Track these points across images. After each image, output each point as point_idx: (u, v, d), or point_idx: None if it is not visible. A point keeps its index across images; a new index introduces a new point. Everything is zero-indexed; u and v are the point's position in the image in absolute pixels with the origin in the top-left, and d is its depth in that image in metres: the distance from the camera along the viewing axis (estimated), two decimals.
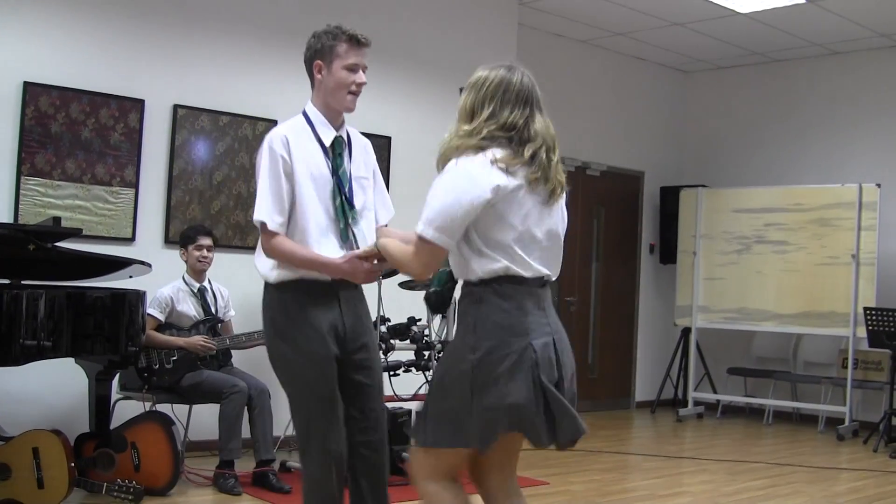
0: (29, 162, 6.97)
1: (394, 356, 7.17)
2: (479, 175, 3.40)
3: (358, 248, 4.10)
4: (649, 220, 12.35)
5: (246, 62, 8.04)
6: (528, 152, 3.52)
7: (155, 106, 7.58)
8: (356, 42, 4.11)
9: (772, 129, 11.82)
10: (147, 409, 6.72)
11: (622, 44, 11.38)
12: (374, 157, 4.44)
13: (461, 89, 3.68)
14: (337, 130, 4.20)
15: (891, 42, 10.70)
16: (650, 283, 12.37)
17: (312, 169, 4.08)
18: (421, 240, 3.45)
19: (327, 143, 4.15)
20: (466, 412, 3.45)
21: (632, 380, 12.24)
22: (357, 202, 4.19)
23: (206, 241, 7.05)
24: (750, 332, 11.37)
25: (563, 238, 3.69)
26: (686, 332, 11.59)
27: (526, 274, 3.50)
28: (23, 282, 5.84)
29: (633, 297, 12.28)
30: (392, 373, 7.09)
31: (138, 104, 7.48)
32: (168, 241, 7.56)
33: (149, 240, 7.52)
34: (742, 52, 11.54)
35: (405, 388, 7.28)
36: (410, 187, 9.20)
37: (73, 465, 5.84)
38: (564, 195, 3.69)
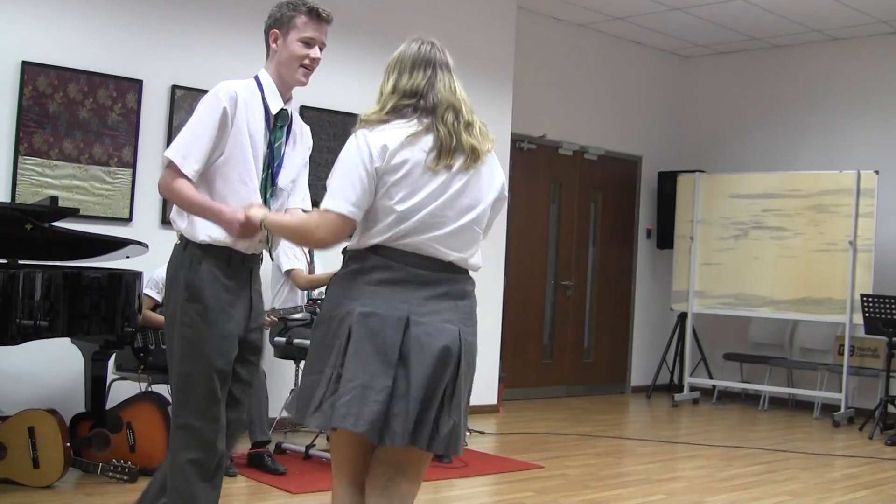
0: (27, 142, 6.96)
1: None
2: (370, 142, 3.34)
3: None
4: (646, 205, 12.35)
5: (244, 43, 8.01)
6: (434, 118, 3.41)
7: (153, 86, 7.56)
8: (316, 16, 3.99)
9: (770, 115, 11.82)
10: (143, 389, 6.73)
11: (621, 28, 11.36)
12: (310, 144, 4.32)
13: None
14: (285, 103, 4.09)
15: (890, 28, 10.69)
16: (647, 268, 12.37)
17: (252, 133, 3.96)
18: (324, 211, 3.36)
19: (273, 111, 4.03)
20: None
21: (628, 364, 12.25)
22: (281, 181, 4.07)
23: None
24: (746, 317, 11.38)
25: (486, 212, 3.50)
26: (682, 317, 11.60)
27: (403, 247, 3.37)
28: (20, 261, 5.83)
29: (629, 281, 12.28)
30: None
31: (136, 84, 7.46)
32: (165, 221, 7.54)
33: (146, 220, 7.51)
34: (741, 38, 11.52)
35: None
36: None
37: (68, 444, 5.85)
38: (492, 166, 3.54)
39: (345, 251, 3.51)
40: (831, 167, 10.73)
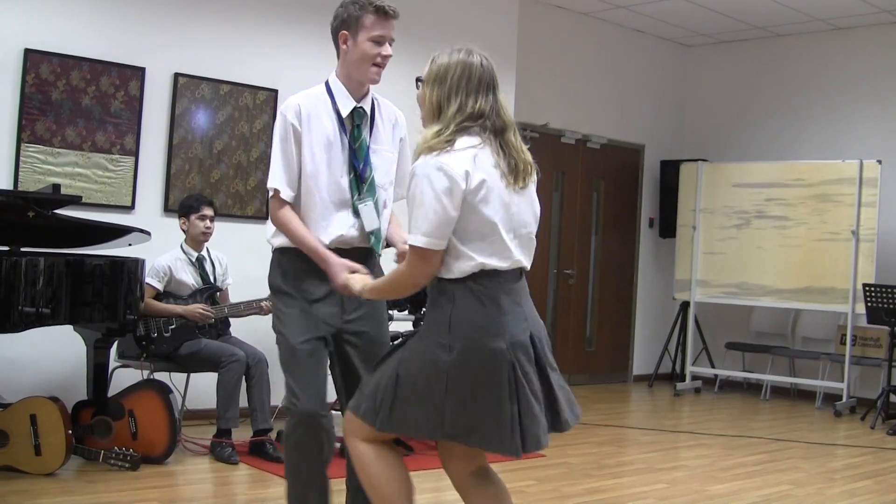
0: (29, 129, 6.96)
1: (393, 326, 7.16)
2: (450, 168, 3.36)
3: (362, 226, 4.11)
4: (649, 194, 12.33)
5: (247, 31, 8.00)
6: (498, 138, 3.50)
7: (156, 74, 7.55)
8: (383, 13, 4.03)
9: (773, 104, 11.79)
10: (145, 377, 6.73)
11: (623, 16, 11.33)
12: (403, 129, 4.36)
13: (418, 80, 3.63)
14: (358, 101, 4.14)
15: (893, 18, 10.66)
16: (649, 257, 12.37)
17: (325, 139, 4.05)
18: (413, 249, 3.42)
19: (344, 113, 4.09)
20: (436, 408, 3.45)
21: (630, 353, 12.25)
22: (377, 176, 4.15)
23: (209, 212, 7.02)
24: (749, 307, 11.37)
25: (536, 225, 3.65)
26: (685, 306, 11.59)
27: (501, 266, 3.47)
28: (22, 249, 5.83)
29: (631, 270, 12.27)
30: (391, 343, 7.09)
31: (139, 72, 7.45)
32: (167, 209, 7.54)
33: (148, 208, 7.51)
34: (743, 27, 11.49)
35: None
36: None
37: (70, 432, 5.86)
38: (535, 179, 3.64)
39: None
40: (834, 156, 10.71)
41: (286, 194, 4.03)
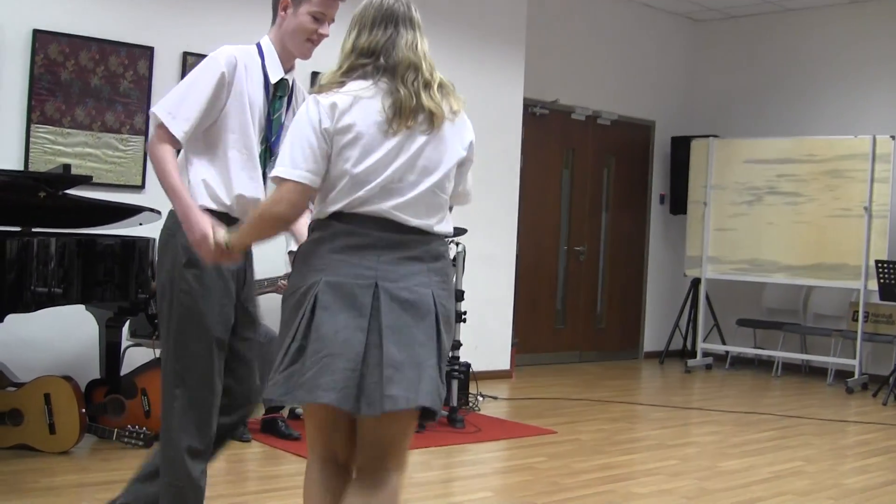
0: (39, 110, 6.96)
1: None
2: (321, 104, 3.18)
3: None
4: (660, 170, 12.31)
5: (256, 9, 7.97)
6: (394, 78, 3.22)
7: (164, 53, 7.54)
8: None
9: (785, 80, 11.74)
10: (157, 355, 6.74)
11: None
12: None
13: None
14: (286, 73, 3.92)
15: None
16: (660, 234, 12.35)
17: (251, 101, 3.80)
18: (278, 179, 3.22)
19: (273, 79, 3.87)
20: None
21: (640, 330, 12.26)
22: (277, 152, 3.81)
23: None
24: (760, 283, 11.35)
25: (449, 175, 3.29)
26: (696, 282, 11.58)
27: (360, 211, 3.20)
28: (33, 229, 5.84)
29: (642, 247, 12.26)
30: None
31: (148, 52, 7.44)
32: None
33: (158, 187, 7.43)
34: (754, 1, 11.44)
35: None
36: None
37: (83, 410, 5.89)
38: (460, 126, 3.34)
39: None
40: (846, 132, 10.67)
41: (177, 129, 3.67)
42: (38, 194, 5.45)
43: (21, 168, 6.87)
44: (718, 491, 5.84)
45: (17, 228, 5.74)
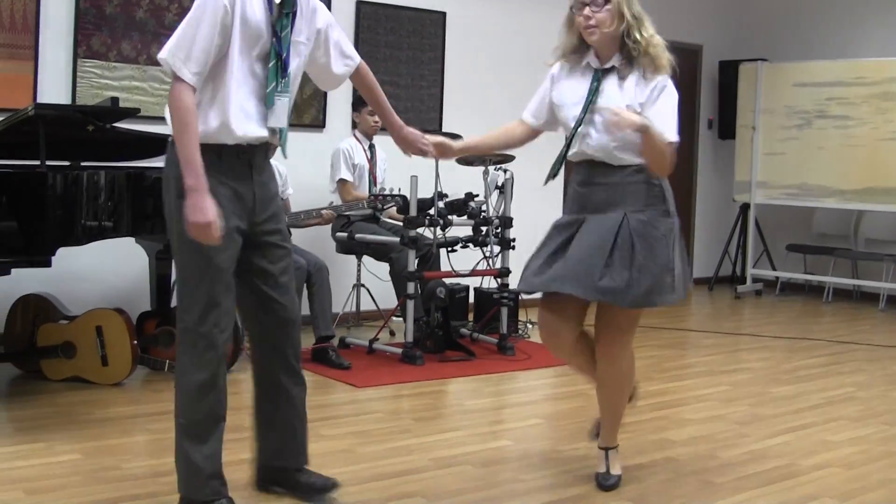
0: (85, 44, 6.96)
1: (451, 232, 7.17)
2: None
3: (276, 119, 3.78)
4: (707, 95, 12.16)
5: None
6: None
7: None
8: None
9: (834, 1, 11.52)
10: None
11: None
12: (324, 15, 4.00)
13: None
14: None
15: None
16: (708, 159, 12.23)
17: (251, 25, 3.68)
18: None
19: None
20: None
21: (690, 256, 12.17)
22: (290, 68, 3.81)
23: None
24: (810, 208, 11.23)
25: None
26: (745, 208, 11.48)
27: None
28: (82, 163, 5.86)
29: (690, 172, 12.15)
30: (449, 249, 7.10)
31: None
32: None
33: None
34: None
35: (462, 263, 7.29)
36: (465, 72, 9.12)
37: (135, 342, 5.94)
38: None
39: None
40: None
41: (188, 73, 3.58)
42: (86, 128, 5.47)
43: (69, 102, 6.89)
44: (770, 417, 5.82)
45: (67, 163, 5.77)
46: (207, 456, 3.76)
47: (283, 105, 3.78)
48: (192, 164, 3.55)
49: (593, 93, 4.14)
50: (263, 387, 4.08)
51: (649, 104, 4.10)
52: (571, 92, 4.23)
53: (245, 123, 3.71)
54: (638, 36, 4.15)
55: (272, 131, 3.79)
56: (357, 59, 4.13)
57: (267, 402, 4.08)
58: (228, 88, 3.67)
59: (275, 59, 3.73)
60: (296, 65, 3.85)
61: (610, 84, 4.16)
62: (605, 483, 4.40)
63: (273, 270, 3.94)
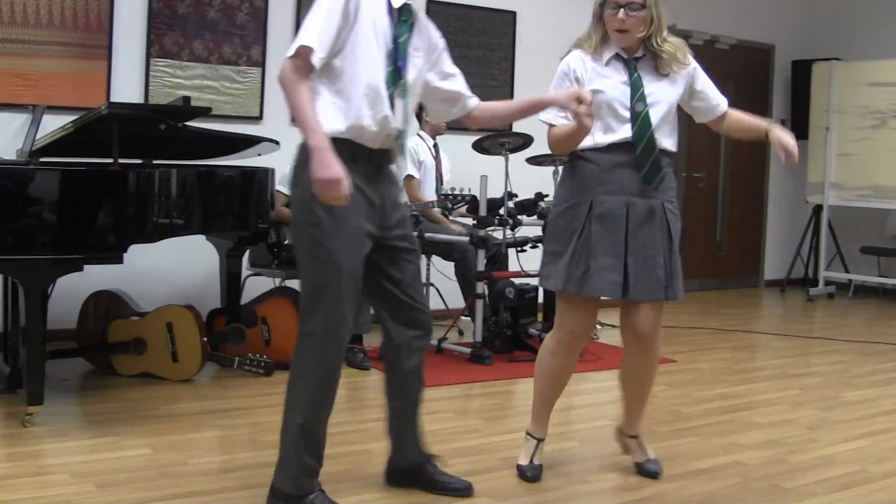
0: (158, 44, 7.05)
1: (521, 232, 7.15)
2: None
3: (397, 121, 3.81)
4: (780, 95, 12.03)
5: None
6: None
7: None
8: None
9: None
10: (276, 284, 6.83)
11: None
12: (438, 42, 4.04)
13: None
14: None
15: None
16: (781, 160, 12.07)
17: (377, 27, 3.75)
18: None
19: (396, 4, 3.80)
20: None
21: (761, 258, 12.08)
22: (410, 79, 3.87)
23: None
24: (884, 209, 11.07)
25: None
26: (817, 209, 11.35)
27: None
28: (154, 161, 5.93)
29: (762, 173, 12.04)
30: (519, 248, 7.09)
31: None
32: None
33: (276, 118, 7.56)
34: None
35: (532, 263, 7.27)
36: (537, 71, 9.10)
37: (205, 339, 5.99)
38: None
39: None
40: None
41: (317, 58, 3.63)
42: (158, 127, 5.52)
43: (142, 101, 6.97)
44: (841, 422, 5.74)
45: (139, 161, 5.83)
46: (317, 455, 3.88)
47: (403, 106, 3.83)
48: (310, 125, 3.61)
49: (639, 83, 4.27)
50: (395, 386, 4.25)
51: (697, 82, 4.58)
52: (611, 84, 4.27)
53: (366, 120, 3.75)
54: (659, 39, 4.22)
55: (395, 134, 3.84)
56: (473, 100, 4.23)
57: (400, 399, 4.24)
58: (352, 88, 3.73)
59: (392, 65, 3.79)
60: (413, 76, 3.90)
61: (645, 72, 4.31)
62: (655, 468, 4.53)
63: (404, 276, 4.02)
